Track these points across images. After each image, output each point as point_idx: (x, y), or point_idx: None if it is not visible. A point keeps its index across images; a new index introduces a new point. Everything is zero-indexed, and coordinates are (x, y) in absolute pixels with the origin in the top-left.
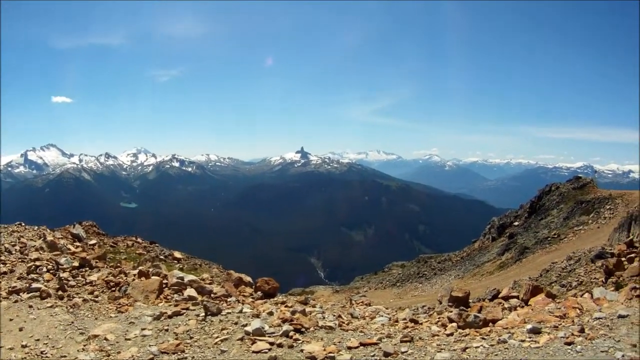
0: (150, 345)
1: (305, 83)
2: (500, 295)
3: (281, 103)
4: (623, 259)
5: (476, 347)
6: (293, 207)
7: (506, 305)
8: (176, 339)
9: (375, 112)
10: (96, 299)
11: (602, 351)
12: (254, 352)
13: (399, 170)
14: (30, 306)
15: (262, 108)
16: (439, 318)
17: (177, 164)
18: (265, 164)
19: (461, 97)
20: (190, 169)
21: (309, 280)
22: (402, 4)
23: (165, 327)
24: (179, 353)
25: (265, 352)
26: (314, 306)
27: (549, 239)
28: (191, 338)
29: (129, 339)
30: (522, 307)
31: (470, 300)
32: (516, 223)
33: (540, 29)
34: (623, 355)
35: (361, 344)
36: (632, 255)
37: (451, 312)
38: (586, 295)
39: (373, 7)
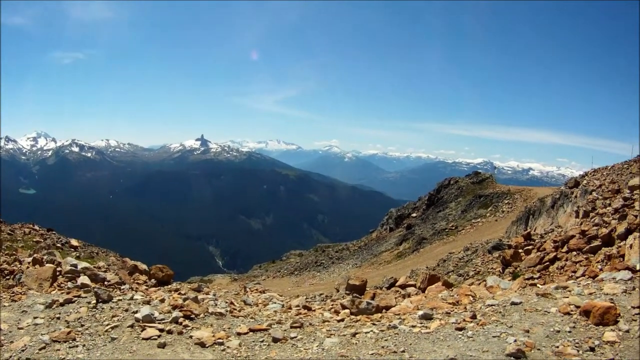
0: (42, 334)
1: (209, 71)
2: (397, 284)
3: (184, 90)
4: (520, 250)
5: (366, 333)
6: (192, 194)
7: (402, 293)
8: (67, 327)
9: (277, 102)
10: None
11: (494, 336)
12: (143, 339)
13: (299, 160)
14: None
15: (165, 94)
16: (332, 305)
17: (76, 149)
18: (165, 150)
19: (364, 91)
20: (89, 155)
21: (208, 268)
22: None
23: (57, 315)
24: (70, 341)
25: (155, 339)
26: (207, 293)
27: (447, 230)
28: (82, 326)
29: (22, 328)
30: (417, 294)
31: (368, 289)
32: (414, 214)
33: (444, 28)
34: (515, 340)
35: (251, 330)
36: (530, 247)
37: (344, 299)
38: (481, 283)
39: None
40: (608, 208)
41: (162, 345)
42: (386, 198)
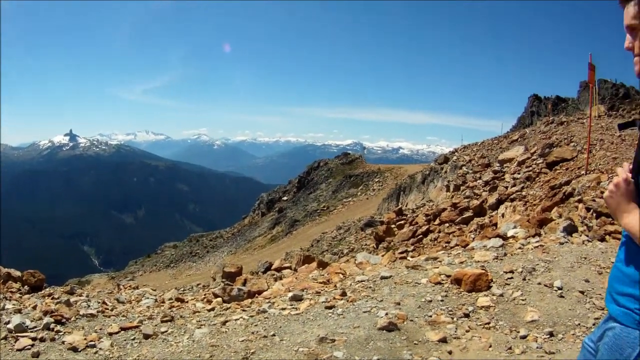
0: None
1: (76, 62)
2: (273, 267)
3: (50, 82)
4: (393, 225)
5: (236, 320)
6: (63, 193)
7: (277, 276)
8: None
9: (145, 92)
10: None
11: (364, 312)
12: (17, 350)
13: (168, 151)
14: None
15: (31, 88)
16: (204, 295)
17: None
18: (34, 148)
19: (231, 77)
20: None
21: (85, 269)
22: None
23: None
24: None
25: (29, 349)
26: (80, 295)
27: (319, 211)
28: None
29: None
30: (288, 277)
31: (244, 275)
32: (285, 198)
33: (309, 12)
34: (387, 314)
35: (122, 329)
36: (402, 222)
37: (216, 287)
38: (351, 260)
39: None
40: (479, 181)
41: (36, 355)
42: (257, 183)
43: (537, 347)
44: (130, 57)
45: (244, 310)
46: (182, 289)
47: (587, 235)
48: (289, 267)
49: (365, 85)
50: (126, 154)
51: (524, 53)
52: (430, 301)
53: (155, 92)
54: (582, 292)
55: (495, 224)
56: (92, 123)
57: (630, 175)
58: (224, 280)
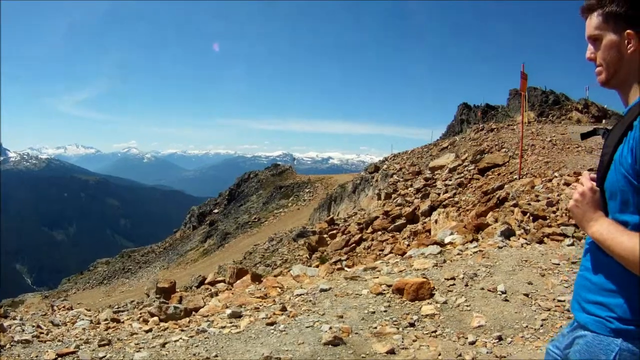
0: None
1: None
2: (206, 281)
3: None
4: (325, 235)
5: (175, 341)
6: None
7: (213, 291)
8: None
9: (75, 104)
10: None
11: (307, 327)
12: None
13: (98, 165)
14: None
15: None
16: (140, 314)
17: None
18: None
19: (161, 90)
20: None
21: (18, 288)
22: None
23: None
24: None
25: None
26: (14, 318)
27: (250, 223)
28: None
29: None
30: (227, 290)
31: (178, 290)
32: (216, 210)
33: (243, 25)
34: (330, 328)
35: (58, 355)
36: (334, 231)
37: (151, 305)
38: (287, 273)
39: None
40: (410, 189)
41: None
42: (187, 196)
43: (487, 352)
44: (57, 68)
45: (182, 330)
46: (116, 307)
47: (525, 239)
48: (223, 281)
49: (296, 96)
50: (56, 168)
51: (453, 62)
52: (374, 312)
53: (85, 104)
54: (526, 295)
55: (429, 231)
56: (22, 136)
57: (595, 183)
58: (157, 296)
